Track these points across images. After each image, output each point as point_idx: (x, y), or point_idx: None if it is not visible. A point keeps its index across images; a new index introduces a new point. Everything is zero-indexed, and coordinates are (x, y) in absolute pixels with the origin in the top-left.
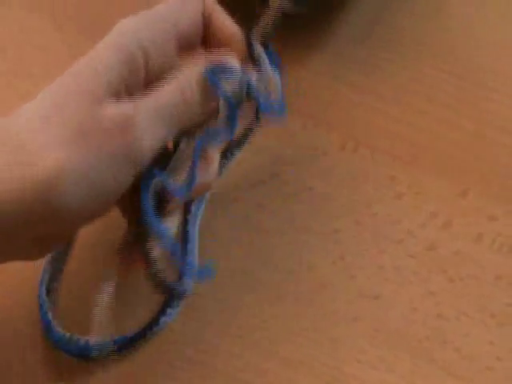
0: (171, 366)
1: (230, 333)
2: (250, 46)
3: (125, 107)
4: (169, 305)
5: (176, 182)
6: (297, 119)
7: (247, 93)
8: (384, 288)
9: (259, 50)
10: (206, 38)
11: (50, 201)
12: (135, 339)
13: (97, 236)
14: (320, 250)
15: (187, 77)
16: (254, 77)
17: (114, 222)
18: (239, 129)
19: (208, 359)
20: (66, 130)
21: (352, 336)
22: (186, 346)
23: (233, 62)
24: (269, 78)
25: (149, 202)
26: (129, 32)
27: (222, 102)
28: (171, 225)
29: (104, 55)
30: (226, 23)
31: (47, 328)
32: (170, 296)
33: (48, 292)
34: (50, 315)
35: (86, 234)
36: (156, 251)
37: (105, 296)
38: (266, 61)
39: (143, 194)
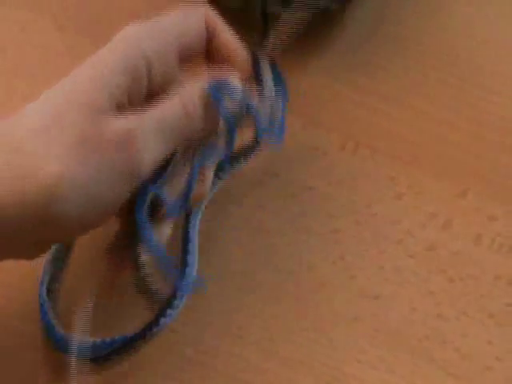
0: (171, 365)
1: (230, 333)
2: (255, 65)
3: (127, 120)
4: (169, 306)
5: (170, 194)
6: (297, 119)
7: (247, 113)
8: (384, 288)
9: (265, 71)
10: (209, 52)
11: (50, 207)
12: (135, 340)
13: (97, 236)
14: (320, 250)
15: (190, 91)
16: (255, 99)
17: (115, 222)
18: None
19: (208, 359)
20: (67, 138)
21: (352, 336)
22: (186, 346)
23: (235, 81)
24: (271, 103)
25: (143, 213)
26: (132, 40)
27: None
28: (165, 230)
29: (109, 60)
30: (229, 39)
31: (47, 328)
32: (170, 297)
33: (48, 292)
34: (50, 315)
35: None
36: (145, 255)
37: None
38: (271, 83)
39: (138, 204)
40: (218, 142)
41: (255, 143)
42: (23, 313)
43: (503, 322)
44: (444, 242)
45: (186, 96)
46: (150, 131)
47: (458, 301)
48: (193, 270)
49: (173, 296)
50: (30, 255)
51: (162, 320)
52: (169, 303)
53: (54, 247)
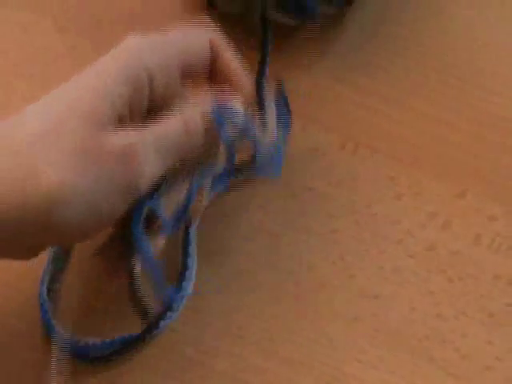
0: (171, 365)
1: (230, 333)
2: (259, 91)
3: (128, 135)
4: (169, 308)
5: (167, 209)
6: (297, 120)
7: (247, 138)
8: (384, 288)
9: (269, 98)
10: (213, 73)
11: (51, 212)
12: (135, 342)
13: (97, 236)
14: (320, 250)
15: (192, 109)
16: (257, 127)
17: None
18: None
19: (208, 359)
20: (66, 145)
21: (352, 336)
22: (187, 345)
23: (237, 105)
24: (271, 131)
25: (140, 225)
26: (134, 51)
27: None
28: (159, 241)
29: (112, 69)
30: (233, 62)
31: (47, 327)
32: (170, 300)
33: (49, 292)
34: (50, 315)
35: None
36: (139, 267)
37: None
38: (273, 110)
39: (135, 217)
40: (217, 163)
41: (253, 165)
42: (21, 311)
43: (503, 322)
44: (444, 242)
45: (188, 114)
46: (150, 146)
47: (457, 301)
48: (192, 272)
49: (168, 309)
50: (25, 257)
51: (162, 323)
52: (168, 306)
53: (54, 247)
